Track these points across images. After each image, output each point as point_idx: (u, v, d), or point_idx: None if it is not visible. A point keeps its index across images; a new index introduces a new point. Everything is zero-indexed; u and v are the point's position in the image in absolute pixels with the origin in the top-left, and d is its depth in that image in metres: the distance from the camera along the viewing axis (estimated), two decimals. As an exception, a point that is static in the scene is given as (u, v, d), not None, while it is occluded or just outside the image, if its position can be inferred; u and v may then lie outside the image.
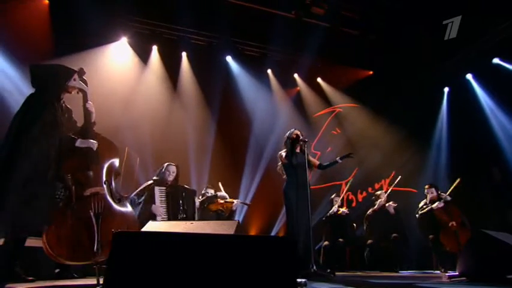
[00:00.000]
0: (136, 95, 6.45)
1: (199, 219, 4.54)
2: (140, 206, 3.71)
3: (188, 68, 7.24)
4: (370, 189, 7.88)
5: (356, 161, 7.99)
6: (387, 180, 7.82)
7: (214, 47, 7.51)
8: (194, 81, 7.15)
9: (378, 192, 6.03)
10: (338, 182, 7.99)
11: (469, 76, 7.05)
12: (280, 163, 4.15)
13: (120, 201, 2.93)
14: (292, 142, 4.12)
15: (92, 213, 2.66)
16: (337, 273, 5.01)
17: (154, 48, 7.12)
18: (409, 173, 7.25)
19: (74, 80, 3.01)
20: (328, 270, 3.88)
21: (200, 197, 4.74)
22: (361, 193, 7.88)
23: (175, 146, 6.15)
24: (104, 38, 6.56)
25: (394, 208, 5.66)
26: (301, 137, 4.08)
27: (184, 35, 7.32)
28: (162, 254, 1.27)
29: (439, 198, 5.02)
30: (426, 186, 5.25)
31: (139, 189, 3.95)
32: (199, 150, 6.51)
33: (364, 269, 5.50)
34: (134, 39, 6.92)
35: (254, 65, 7.73)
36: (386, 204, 5.67)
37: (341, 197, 6.31)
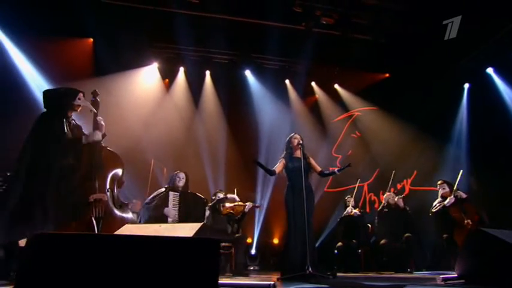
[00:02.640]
0: (163, 112, 6.66)
1: (211, 222, 4.51)
2: (152, 209, 3.75)
3: (211, 85, 7.36)
4: (392, 190, 7.30)
5: (377, 162, 7.55)
6: (409, 180, 7.22)
7: (235, 63, 7.56)
8: (215, 97, 7.24)
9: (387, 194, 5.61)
10: (360, 184, 7.55)
11: (489, 70, 6.31)
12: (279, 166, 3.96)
13: (121, 207, 2.98)
14: (290, 146, 3.94)
15: (93, 217, 2.72)
16: (350, 274, 4.70)
17: (181, 69, 7.34)
18: (431, 172, 6.62)
19: (79, 99, 3.09)
20: (329, 272, 3.60)
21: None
22: (383, 194, 7.33)
23: (196, 157, 6.22)
24: (137, 64, 6.91)
25: (404, 203, 5.18)
26: (297, 142, 3.87)
27: (208, 55, 7.48)
28: (80, 256, 1.22)
29: (453, 195, 4.48)
30: (439, 182, 4.74)
31: (152, 195, 4.01)
32: (216, 160, 6.53)
33: (379, 269, 5.07)
34: (164, 63, 7.20)
35: (272, 77, 7.65)
36: (396, 198, 5.21)
37: (353, 197, 5.87)
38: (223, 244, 4.46)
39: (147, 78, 6.86)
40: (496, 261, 2.35)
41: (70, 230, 2.69)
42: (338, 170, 3.96)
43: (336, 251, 5.10)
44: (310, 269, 3.17)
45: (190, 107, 7.03)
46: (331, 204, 7.18)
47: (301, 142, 3.86)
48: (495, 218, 4.90)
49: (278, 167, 3.88)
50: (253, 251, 6.63)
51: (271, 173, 3.83)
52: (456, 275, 2.58)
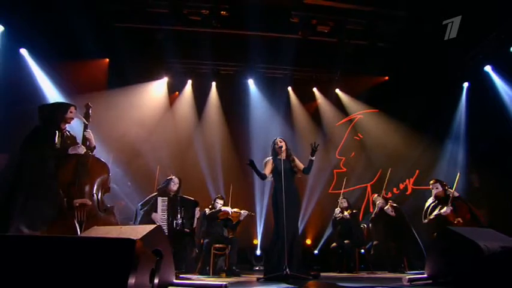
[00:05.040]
0: (169, 122, 6.78)
1: (207, 227, 4.49)
2: (143, 214, 3.78)
3: (216, 95, 7.42)
4: (395, 190, 7.00)
5: (379, 163, 7.25)
6: (411, 180, 6.86)
7: (239, 73, 7.59)
8: (219, 106, 7.29)
9: (375, 196, 5.30)
10: (363, 185, 7.28)
11: (488, 68, 5.89)
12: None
13: (105, 211, 3.02)
14: (275, 150, 3.84)
15: (75, 221, 2.77)
16: (343, 274, 4.49)
17: (189, 82, 7.46)
18: (433, 170, 6.26)
19: (71, 112, 3.20)
20: (313, 273, 3.44)
21: (210, 208, 4.72)
22: (386, 194, 6.98)
23: (199, 164, 6.28)
24: (148, 78, 7.11)
25: (395, 209, 4.87)
26: (278, 146, 3.77)
27: (214, 68, 7.56)
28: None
29: (445, 195, 4.16)
30: (431, 182, 4.42)
31: (144, 200, 4.04)
32: (218, 166, 6.52)
33: (375, 269, 4.79)
34: (174, 77, 7.36)
35: (275, 85, 7.60)
36: (385, 208, 4.92)
37: (341, 197, 5.61)
38: (218, 245, 4.44)
39: (156, 91, 7.02)
40: (462, 260, 2.14)
41: (53, 232, 2.74)
42: (311, 155, 3.71)
43: (316, 252, 4.84)
44: (287, 270, 3.04)
45: (195, 117, 7.12)
46: (334, 205, 6.94)
47: (280, 145, 3.75)
48: (496, 215, 4.54)
49: (267, 169, 3.79)
50: (258, 252, 6.53)
51: (263, 176, 3.74)
52: (426, 275, 2.38)
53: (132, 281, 1.29)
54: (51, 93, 6.22)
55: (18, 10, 5.59)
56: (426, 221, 4.20)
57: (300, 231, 6.64)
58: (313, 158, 3.67)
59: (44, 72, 6.37)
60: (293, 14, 6.56)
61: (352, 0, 6.37)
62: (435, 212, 4.07)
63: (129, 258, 1.30)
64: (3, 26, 5.55)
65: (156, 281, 1.59)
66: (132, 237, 1.71)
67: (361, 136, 7.70)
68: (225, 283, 2.09)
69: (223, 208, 4.65)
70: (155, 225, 2.02)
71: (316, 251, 6.60)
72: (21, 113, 5.38)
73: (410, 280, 2.37)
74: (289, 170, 3.65)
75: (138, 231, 1.90)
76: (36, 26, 5.81)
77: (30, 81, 6.20)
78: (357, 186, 7.23)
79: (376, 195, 5.34)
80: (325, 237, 6.56)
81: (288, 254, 3.17)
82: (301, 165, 3.83)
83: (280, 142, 3.80)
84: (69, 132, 3.25)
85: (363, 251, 5.11)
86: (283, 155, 3.76)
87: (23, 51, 6.30)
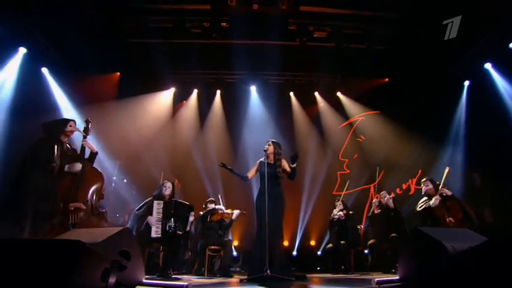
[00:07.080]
0: (174, 130, 6.91)
1: (201, 229, 4.51)
2: (138, 217, 3.86)
3: (219, 103, 7.49)
4: (398, 190, 6.75)
5: (382, 164, 7.03)
6: (414, 180, 6.59)
7: (241, 81, 7.64)
8: (223, 113, 7.34)
9: (382, 195, 5.11)
10: (366, 186, 7.08)
11: (488, 65, 5.60)
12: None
13: (98, 215, 3.12)
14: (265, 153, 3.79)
15: (69, 223, 2.89)
16: (337, 275, 4.36)
17: (195, 91, 7.58)
18: (435, 170, 5.97)
19: (70, 126, 3.37)
20: (298, 274, 3.36)
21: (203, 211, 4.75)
22: (389, 194, 6.75)
23: (200, 169, 6.33)
24: (156, 89, 7.30)
25: (393, 201, 4.70)
26: (265, 149, 3.72)
27: (218, 76, 7.66)
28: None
29: (439, 196, 3.96)
30: (422, 180, 4.23)
31: (141, 203, 4.11)
32: (218, 172, 6.54)
33: (372, 270, 4.62)
34: (181, 87, 7.52)
35: (277, 91, 7.58)
36: (385, 199, 4.75)
37: (341, 200, 5.45)
38: (213, 247, 4.45)
39: (163, 101, 7.20)
40: (430, 261, 2.04)
41: (53, 235, 2.86)
42: (292, 163, 3.62)
43: (319, 253, 4.74)
44: (268, 271, 3.00)
45: (200, 124, 7.22)
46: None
47: (265, 149, 3.71)
48: (498, 214, 4.27)
49: (251, 171, 3.78)
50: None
51: (244, 178, 3.73)
52: (398, 277, 2.27)
53: (76, 279, 1.32)
54: (67, 107, 6.51)
55: (39, 33, 5.92)
56: (416, 212, 4.05)
57: (302, 232, 6.68)
58: (294, 165, 3.60)
59: (61, 88, 6.68)
60: (290, 21, 6.57)
61: (347, 6, 6.29)
62: (424, 205, 3.91)
63: (73, 259, 1.34)
64: (26, 48, 5.87)
65: (112, 280, 1.62)
66: (94, 239, 1.77)
67: (363, 138, 7.52)
68: (186, 284, 2.10)
69: (217, 207, 4.67)
70: (122, 228, 2.07)
71: (319, 252, 6.47)
72: (39, 125, 5.72)
73: (379, 282, 2.27)
74: (273, 173, 3.59)
75: (103, 233, 1.95)
76: (55, 47, 6.13)
77: (49, 96, 6.52)
78: (360, 188, 7.05)
79: (383, 192, 5.13)
80: (327, 238, 6.42)
81: (269, 255, 3.13)
82: (288, 170, 3.72)
83: (269, 145, 3.74)
84: (69, 145, 3.41)
85: (366, 251, 4.96)
86: (270, 158, 3.72)
87: (44, 70, 6.62)
